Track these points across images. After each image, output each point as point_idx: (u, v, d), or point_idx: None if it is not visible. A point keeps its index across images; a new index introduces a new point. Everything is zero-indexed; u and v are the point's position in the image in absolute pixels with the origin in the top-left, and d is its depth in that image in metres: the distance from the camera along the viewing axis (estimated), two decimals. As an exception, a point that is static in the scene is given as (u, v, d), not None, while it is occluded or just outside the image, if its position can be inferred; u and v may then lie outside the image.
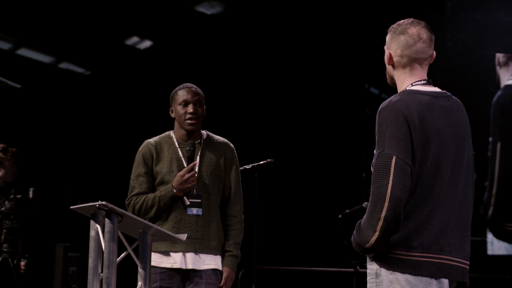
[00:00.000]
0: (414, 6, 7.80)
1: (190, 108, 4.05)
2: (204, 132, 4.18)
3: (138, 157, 4.12)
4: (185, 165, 4.05)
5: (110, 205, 3.16)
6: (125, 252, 3.27)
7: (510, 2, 8.42)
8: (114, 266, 3.15)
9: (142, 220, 3.32)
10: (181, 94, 4.10)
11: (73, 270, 6.77)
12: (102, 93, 8.34)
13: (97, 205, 3.16)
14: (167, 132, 4.19)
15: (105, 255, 3.15)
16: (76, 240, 6.80)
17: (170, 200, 4.01)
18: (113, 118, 8.25)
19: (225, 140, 4.20)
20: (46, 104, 8.23)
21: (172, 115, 4.14)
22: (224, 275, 4.07)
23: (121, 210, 3.21)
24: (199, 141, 4.13)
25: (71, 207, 3.30)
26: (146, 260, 3.30)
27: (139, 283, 3.29)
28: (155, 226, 3.35)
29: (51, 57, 8.51)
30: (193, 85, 4.16)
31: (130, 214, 3.28)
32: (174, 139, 4.12)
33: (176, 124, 4.13)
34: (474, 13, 8.40)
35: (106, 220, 3.18)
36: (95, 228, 3.21)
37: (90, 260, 3.19)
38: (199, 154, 4.09)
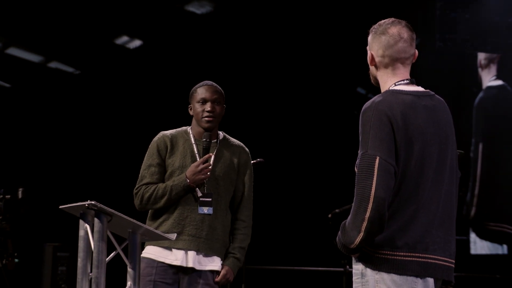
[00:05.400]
0: (404, 6, 7.82)
1: (208, 106, 4.02)
2: (221, 133, 4.14)
3: (152, 147, 4.07)
4: (200, 158, 4.00)
5: (99, 205, 3.16)
6: (114, 252, 3.27)
7: (500, 2, 8.45)
8: (103, 266, 3.15)
9: (131, 219, 3.32)
10: (200, 91, 4.06)
11: (62, 270, 6.75)
12: (91, 92, 8.32)
13: (86, 205, 3.15)
14: (183, 127, 4.14)
15: (94, 254, 3.15)
16: (65, 239, 6.78)
17: (182, 190, 3.95)
18: (103, 118, 8.24)
19: (241, 143, 4.17)
20: (36, 104, 8.21)
21: (191, 112, 4.10)
22: (222, 272, 3.99)
23: (110, 209, 3.20)
24: (215, 140, 4.09)
25: (60, 207, 3.29)
26: (135, 259, 3.30)
27: (129, 283, 3.29)
28: (144, 225, 3.35)
29: (40, 56, 8.49)
30: (213, 83, 4.12)
31: (119, 214, 3.28)
32: (191, 135, 4.08)
33: (193, 121, 4.09)
34: (463, 13, 8.43)
35: (95, 219, 3.17)
36: (84, 227, 3.21)
37: (79, 260, 3.19)
38: (214, 153, 4.05)
